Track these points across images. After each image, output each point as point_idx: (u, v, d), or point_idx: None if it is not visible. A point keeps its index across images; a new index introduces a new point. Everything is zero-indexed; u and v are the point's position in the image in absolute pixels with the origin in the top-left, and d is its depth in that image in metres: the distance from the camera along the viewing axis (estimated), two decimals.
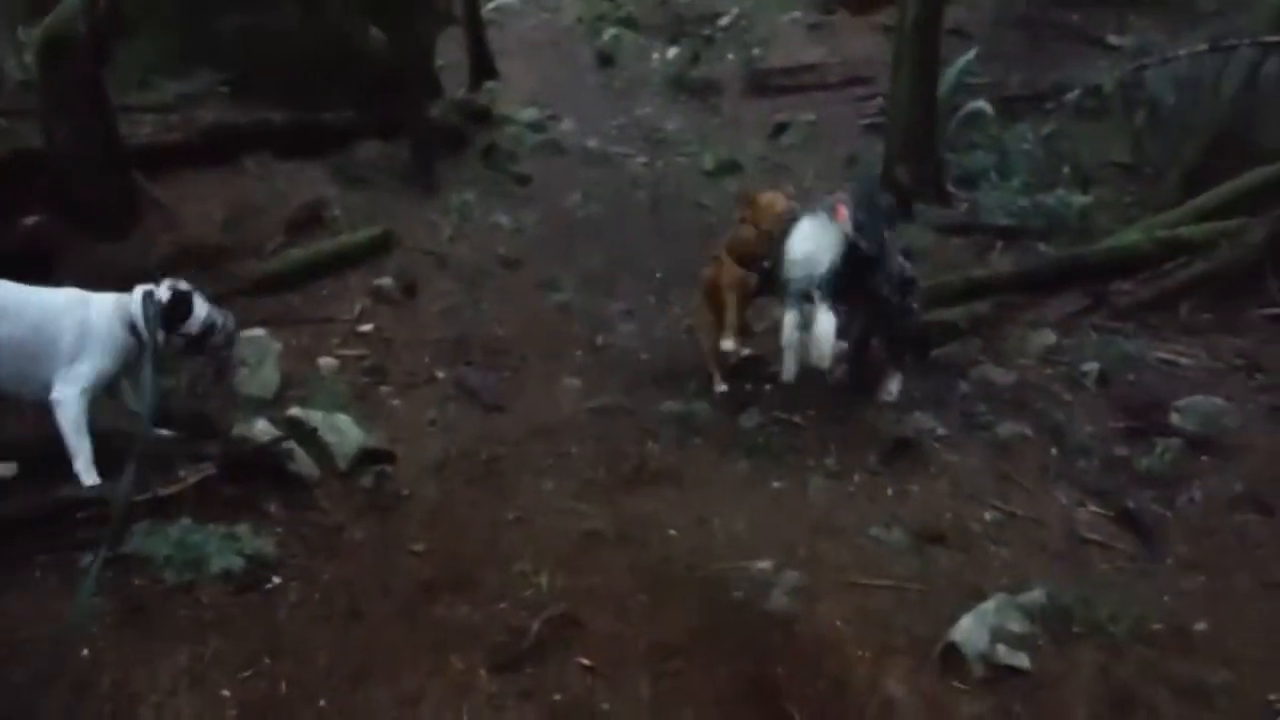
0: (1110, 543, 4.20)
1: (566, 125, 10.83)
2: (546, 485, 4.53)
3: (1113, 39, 10.38)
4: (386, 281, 6.32)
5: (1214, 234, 6.32)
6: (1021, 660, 3.20)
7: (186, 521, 3.62)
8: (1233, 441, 4.86)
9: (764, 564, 3.83)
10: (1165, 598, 3.79)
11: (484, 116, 9.83)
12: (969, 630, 3.24)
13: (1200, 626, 3.56)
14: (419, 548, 3.91)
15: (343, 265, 6.42)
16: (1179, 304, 6.14)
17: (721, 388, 5.50)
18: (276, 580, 3.61)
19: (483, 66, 12.09)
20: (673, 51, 13.02)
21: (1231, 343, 5.81)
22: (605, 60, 13.07)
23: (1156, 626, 3.51)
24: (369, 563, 3.80)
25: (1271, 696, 3.05)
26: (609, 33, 13.73)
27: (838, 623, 3.46)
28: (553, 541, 3.99)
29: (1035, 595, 3.52)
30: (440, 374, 5.54)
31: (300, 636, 3.34)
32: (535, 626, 3.35)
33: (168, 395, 4.39)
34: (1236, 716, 3.03)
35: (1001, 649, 3.19)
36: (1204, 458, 4.78)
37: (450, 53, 11.74)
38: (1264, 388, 5.38)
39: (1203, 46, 7.65)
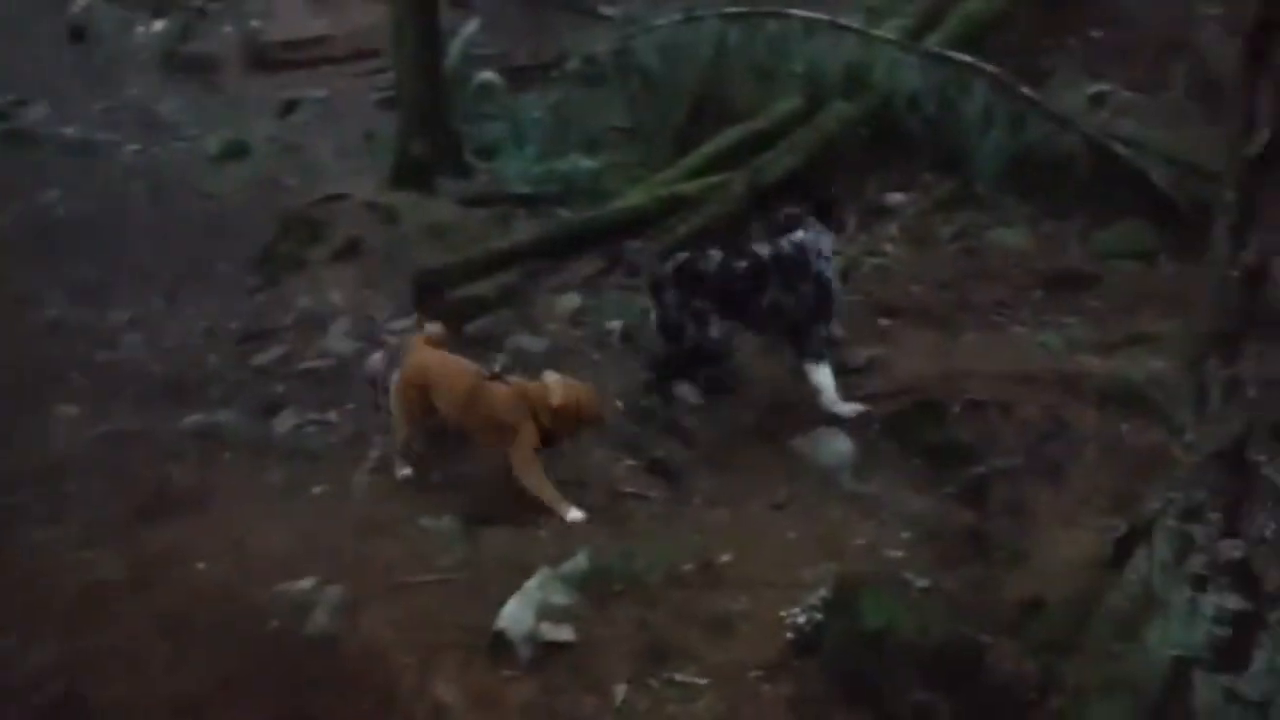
0: (645, 493, 4.41)
1: (36, 111, 9.52)
2: (41, 535, 3.95)
3: (605, 9, 10.91)
4: None
5: (705, 189, 6.87)
6: (565, 634, 3.21)
7: None
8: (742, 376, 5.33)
9: (305, 582, 3.57)
10: (695, 536, 4.01)
11: None
12: (514, 613, 3.21)
13: (725, 558, 3.82)
14: None
15: None
16: None
17: (576, 515, 4.14)
18: None
19: None
20: (160, 24, 11.83)
21: None
22: (78, 35, 11.59)
23: (687, 567, 3.71)
24: None
25: (783, 613, 3.34)
26: (80, 3, 12.17)
27: (384, 631, 3.30)
28: (51, 602, 3.49)
29: (578, 562, 3.58)
30: None
31: None
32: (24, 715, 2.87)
33: None
34: (756, 639, 3.28)
35: (545, 626, 3.19)
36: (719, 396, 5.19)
37: None
38: None
39: (677, 17, 8.27)
